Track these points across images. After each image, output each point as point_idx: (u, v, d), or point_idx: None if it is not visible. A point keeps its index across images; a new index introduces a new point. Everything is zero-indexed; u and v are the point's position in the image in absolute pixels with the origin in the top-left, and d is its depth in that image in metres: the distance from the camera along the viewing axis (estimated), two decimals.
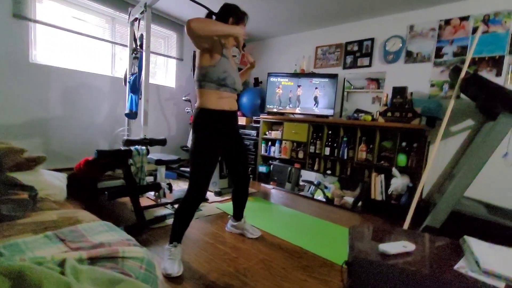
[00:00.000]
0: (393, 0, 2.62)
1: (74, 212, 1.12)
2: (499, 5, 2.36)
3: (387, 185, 2.56)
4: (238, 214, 1.89)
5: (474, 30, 2.45)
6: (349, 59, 3.28)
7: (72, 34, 2.75)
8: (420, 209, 2.27)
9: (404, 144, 2.52)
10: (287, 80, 3.41)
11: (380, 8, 2.81)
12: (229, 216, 1.99)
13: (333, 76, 3.13)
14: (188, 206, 1.45)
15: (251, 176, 3.57)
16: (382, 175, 2.60)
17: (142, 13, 2.50)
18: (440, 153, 2.62)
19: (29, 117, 2.54)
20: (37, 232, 0.90)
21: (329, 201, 2.81)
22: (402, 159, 2.52)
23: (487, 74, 2.39)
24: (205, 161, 1.44)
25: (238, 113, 2.50)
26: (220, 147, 1.53)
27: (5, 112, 2.39)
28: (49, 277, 0.52)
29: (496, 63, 2.36)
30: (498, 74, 2.35)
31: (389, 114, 2.57)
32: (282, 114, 3.44)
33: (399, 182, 2.45)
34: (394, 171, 2.47)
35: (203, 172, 1.43)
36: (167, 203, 2.31)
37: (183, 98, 3.54)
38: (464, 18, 2.52)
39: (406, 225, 1.98)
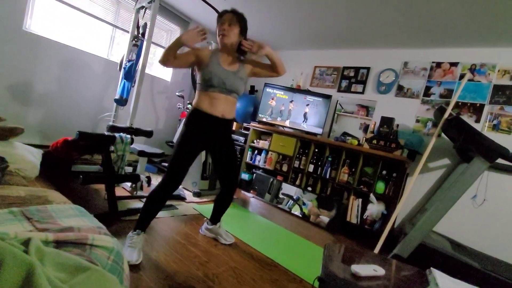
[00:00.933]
0: (391, 36, 2.76)
1: (44, 191, 1.06)
2: (485, 57, 2.55)
3: (363, 209, 2.62)
4: (215, 218, 1.87)
5: (461, 76, 2.63)
6: (344, 83, 3.39)
7: (72, 9, 2.67)
8: (391, 237, 2.34)
9: (384, 172, 2.61)
10: (282, 93, 3.47)
11: (379, 41, 2.96)
12: (205, 218, 1.96)
13: (327, 97, 3.22)
14: (160, 192, 1.49)
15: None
16: (360, 200, 2.67)
17: (150, 2, 2.48)
18: (416, 186, 2.73)
19: (12, 84, 2.41)
20: (0, 206, 0.84)
21: (305, 217, 2.83)
22: (380, 186, 2.60)
23: (467, 119, 2.55)
24: (185, 155, 1.50)
25: None
26: (202, 147, 1.63)
27: None
28: (11, 254, 0.49)
29: (477, 110, 2.53)
30: (477, 120, 2.51)
31: (374, 141, 2.67)
32: (272, 125, 3.48)
33: (374, 208, 2.52)
34: (372, 197, 2.55)
35: (180, 163, 1.50)
36: (142, 197, 2.24)
37: (177, 93, 3.50)
38: (453, 64, 2.70)
39: (376, 251, 2.02)
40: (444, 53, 2.76)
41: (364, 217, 2.58)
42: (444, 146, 2.62)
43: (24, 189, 1.02)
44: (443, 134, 2.52)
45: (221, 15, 1.53)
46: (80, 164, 2.63)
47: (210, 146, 1.65)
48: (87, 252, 0.72)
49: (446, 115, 2.11)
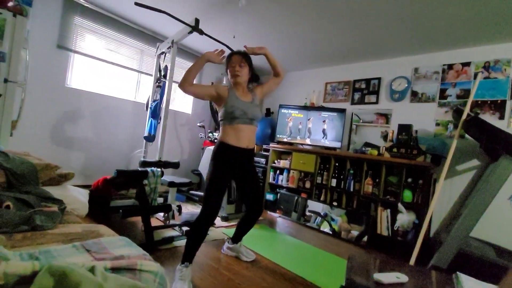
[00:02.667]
0: (399, 45, 2.83)
1: (96, 227, 1.23)
2: (498, 53, 2.51)
3: (393, 220, 2.56)
4: (237, 238, 1.97)
5: (476, 75, 2.60)
6: (357, 96, 3.45)
7: (103, 63, 3.06)
8: (427, 248, 2.25)
9: (409, 180, 2.56)
10: (297, 112, 3.59)
11: (386, 51, 3.03)
12: (227, 238, 2.06)
13: (341, 111, 3.28)
14: (200, 225, 1.58)
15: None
16: (388, 210, 2.62)
17: (168, 48, 2.79)
18: (447, 191, 2.63)
19: (59, 134, 2.76)
20: (65, 242, 1.00)
21: (335, 234, 2.80)
22: (408, 195, 2.54)
23: (490, 117, 2.48)
24: (217, 187, 1.61)
25: None
26: (231, 177, 1.76)
27: (39, 128, 2.62)
28: (86, 278, 0.62)
29: (498, 107, 2.46)
30: (501, 117, 2.44)
31: (394, 150, 2.65)
32: (291, 144, 3.57)
33: (405, 218, 2.46)
34: (400, 206, 2.49)
35: (215, 196, 1.61)
36: (175, 225, 2.38)
37: (198, 124, 3.74)
38: (466, 64, 2.68)
39: (412, 262, 1.96)
40: (455, 54, 2.76)
41: (395, 228, 2.52)
42: (470, 147, 2.54)
43: (80, 226, 1.20)
44: (467, 135, 2.47)
45: (229, 57, 1.71)
46: (117, 200, 2.86)
47: (236, 174, 1.77)
48: (137, 275, 0.84)
49: (464, 116, 2.09)
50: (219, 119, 1.72)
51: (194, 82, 1.64)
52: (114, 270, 0.84)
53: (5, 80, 1.99)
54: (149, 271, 0.88)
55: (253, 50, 1.65)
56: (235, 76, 1.67)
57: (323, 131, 3.35)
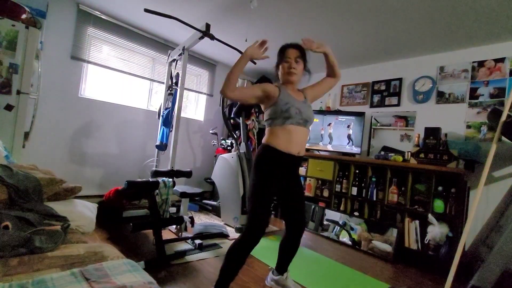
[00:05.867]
0: (421, 42, 2.63)
1: (100, 247, 1.13)
2: None
3: (423, 233, 2.33)
4: (281, 267, 1.63)
5: None
6: (376, 98, 3.26)
7: (116, 72, 3.05)
8: (462, 263, 2.02)
9: (440, 188, 2.34)
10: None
11: (408, 50, 2.84)
12: (270, 268, 1.81)
13: (360, 114, 3.10)
14: (244, 245, 1.32)
15: (273, 212, 3.47)
16: (417, 221, 2.39)
17: (180, 55, 2.74)
18: (483, 200, 2.38)
19: (71, 144, 2.75)
20: (64, 268, 0.91)
21: (355, 244, 2.60)
22: (439, 204, 2.32)
23: None
24: (264, 200, 1.35)
25: None
26: (278, 188, 1.46)
27: (52, 139, 2.62)
28: None
29: None
30: None
31: (422, 155, 2.44)
32: (307, 150, 3.41)
33: (436, 230, 2.23)
34: (431, 217, 2.27)
35: (263, 210, 1.34)
36: (188, 238, 2.28)
37: (210, 131, 3.67)
38: (499, 60, 2.45)
39: (448, 283, 1.74)
40: (485, 50, 2.53)
41: (425, 242, 2.29)
42: (508, 150, 2.29)
43: (83, 246, 1.10)
44: (504, 138, 2.22)
45: (284, 49, 1.47)
46: (130, 210, 2.80)
47: (281, 185, 1.48)
48: None
49: (503, 118, 1.88)
50: (266, 118, 1.45)
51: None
52: None
53: (18, 92, 1.98)
54: None
55: (311, 45, 1.40)
56: (290, 73, 1.44)
57: (349, 136, 3.15)
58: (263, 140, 1.45)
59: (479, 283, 1.73)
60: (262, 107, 1.49)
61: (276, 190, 1.44)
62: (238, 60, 1.33)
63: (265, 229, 1.34)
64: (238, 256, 1.33)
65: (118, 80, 3.13)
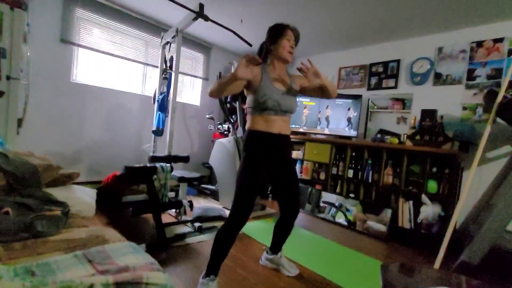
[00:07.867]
0: (420, 22, 2.58)
1: (102, 230, 1.15)
2: None
3: (416, 212, 2.40)
4: (276, 247, 1.71)
5: (510, 52, 2.34)
6: (373, 80, 3.23)
7: (109, 56, 2.97)
8: (453, 241, 2.10)
9: (434, 169, 2.39)
10: (308, 100, 3.41)
11: (406, 30, 2.78)
12: (264, 247, 1.88)
13: (357, 97, 3.09)
14: (229, 230, 1.37)
15: (270, 195, 3.53)
16: (411, 202, 2.46)
17: (173, 37, 2.66)
18: (475, 180, 2.43)
19: (66, 130, 2.72)
20: (67, 251, 0.93)
21: (351, 225, 2.68)
22: (432, 185, 2.37)
23: None
24: (249, 184, 1.37)
25: None
26: (266, 172, 1.45)
27: (46, 125, 2.58)
28: None
29: None
30: None
31: (417, 137, 2.47)
32: (303, 133, 3.42)
33: (429, 210, 2.30)
34: (424, 198, 2.33)
35: (246, 196, 1.37)
36: (187, 221, 2.32)
37: (207, 116, 3.64)
38: (498, 40, 2.42)
39: (439, 259, 1.82)
40: (485, 30, 2.49)
41: (418, 221, 2.36)
42: (502, 131, 2.32)
43: (85, 230, 1.12)
44: (498, 119, 2.24)
45: (284, 28, 1.43)
46: (129, 195, 2.83)
47: (271, 168, 1.48)
48: None
49: (499, 99, 1.89)
50: (247, 105, 1.47)
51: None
52: (118, 285, 0.75)
53: (8, 77, 1.93)
54: (157, 284, 0.79)
55: (307, 72, 1.36)
56: (290, 53, 1.43)
57: (349, 119, 3.15)
58: (246, 127, 1.50)
59: (468, 259, 1.81)
60: (245, 92, 1.47)
61: (265, 174, 1.45)
62: (227, 79, 1.27)
63: (250, 211, 1.37)
64: (225, 239, 1.37)
65: (111, 64, 3.05)
